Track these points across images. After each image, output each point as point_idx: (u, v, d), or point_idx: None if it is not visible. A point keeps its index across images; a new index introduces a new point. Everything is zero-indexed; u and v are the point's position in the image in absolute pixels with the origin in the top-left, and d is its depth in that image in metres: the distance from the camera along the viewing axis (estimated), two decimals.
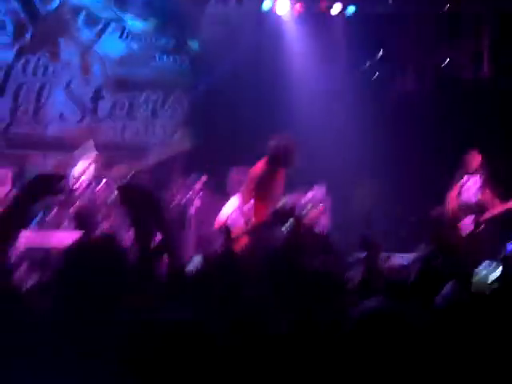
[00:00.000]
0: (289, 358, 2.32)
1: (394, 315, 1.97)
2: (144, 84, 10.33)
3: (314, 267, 3.73)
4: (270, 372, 2.30)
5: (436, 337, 2.11)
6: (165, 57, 10.51)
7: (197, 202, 8.59)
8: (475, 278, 4.28)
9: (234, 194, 8.08)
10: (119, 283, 2.57)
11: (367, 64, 10.65)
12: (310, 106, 9.88)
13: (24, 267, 5.04)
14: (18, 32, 9.69)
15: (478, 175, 8.01)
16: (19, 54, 9.70)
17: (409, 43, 10.34)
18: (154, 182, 9.28)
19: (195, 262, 4.87)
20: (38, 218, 7.32)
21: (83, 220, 7.18)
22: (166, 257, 5.33)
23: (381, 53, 10.49)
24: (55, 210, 8.20)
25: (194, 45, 10.65)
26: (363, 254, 5.55)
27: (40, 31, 9.80)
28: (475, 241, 7.75)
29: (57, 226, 8.09)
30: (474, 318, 2.23)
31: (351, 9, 10.24)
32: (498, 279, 4.16)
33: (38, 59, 9.78)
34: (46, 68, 9.82)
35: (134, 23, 10.30)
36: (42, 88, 9.80)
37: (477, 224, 7.84)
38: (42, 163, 9.41)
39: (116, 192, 7.29)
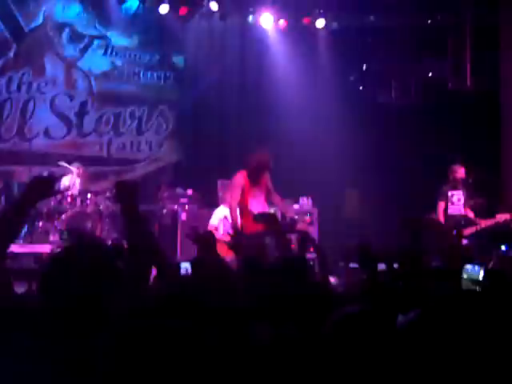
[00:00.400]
0: (270, 368, 2.31)
1: (373, 318, 1.97)
2: (129, 99, 10.36)
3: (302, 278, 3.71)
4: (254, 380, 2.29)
5: (417, 339, 2.09)
6: (149, 72, 10.54)
7: (183, 215, 8.56)
8: (463, 277, 4.30)
9: (220, 204, 8.08)
10: (108, 287, 2.53)
11: (352, 77, 10.72)
12: (296, 118, 9.91)
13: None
14: (1, 49, 9.71)
15: (463, 188, 8.04)
16: (3, 71, 9.73)
17: (393, 56, 10.43)
18: (140, 195, 9.21)
19: (183, 268, 4.82)
20: (23, 231, 7.27)
21: (73, 230, 7.14)
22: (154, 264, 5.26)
23: (365, 66, 10.57)
24: (41, 223, 8.17)
25: (178, 60, 10.69)
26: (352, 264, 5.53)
27: (24, 48, 9.84)
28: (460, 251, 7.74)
29: (43, 239, 8.06)
30: (458, 317, 2.20)
31: (334, 24, 10.36)
32: (481, 281, 4.17)
33: (22, 75, 9.80)
34: (30, 84, 9.84)
35: (118, 40, 10.35)
36: (26, 104, 9.81)
37: (460, 237, 7.83)
38: (28, 178, 9.35)
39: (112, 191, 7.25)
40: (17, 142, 9.71)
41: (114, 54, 10.32)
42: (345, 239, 8.28)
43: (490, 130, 9.64)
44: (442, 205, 8.06)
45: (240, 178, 6.83)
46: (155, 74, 10.56)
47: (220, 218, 7.64)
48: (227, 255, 6.58)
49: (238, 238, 6.35)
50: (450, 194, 8.07)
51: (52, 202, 8.09)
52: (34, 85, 9.85)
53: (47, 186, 2.78)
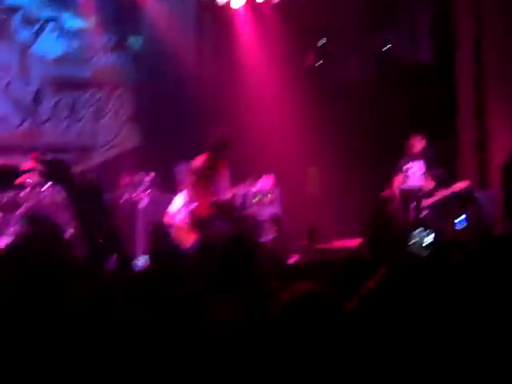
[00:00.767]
0: (231, 354, 2.33)
1: (325, 299, 1.98)
2: (86, 83, 10.15)
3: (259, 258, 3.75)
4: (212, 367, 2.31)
5: (369, 318, 2.13)
6: (107, 55, 10.36)
7: (145, 199, 8.52)
8: (411, 242, 4.38)
9: (181, 189, 8.06)
10: (63, 274, 2.53)
11: (310, 53, 10.70)
12: (256, 97, 9.90)
13: None
14: None
15: (422, 160, 8.12)
16: None
17: (350, 31, 10.42)
18: (101, 181, 9.15)
19: (142, 261, 4.84)
20: None
21: (32, 219, 7.08)
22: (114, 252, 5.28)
23: (323, 41, 10.56)
24: (1, 214, 8.06)
25: (136, 42, 10.52)
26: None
27: None
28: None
29: (2, 230, 7.96)
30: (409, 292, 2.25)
31: None
32: (430, 245, 4.27)
33: None
34: None
35: (74, 22, 10.12)
36: None
37: (420, 209, 7.94)
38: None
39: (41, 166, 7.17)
40: None
41: (69, 36, 10.09)
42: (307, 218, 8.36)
43: (447, 102, 9.74)
44: (397, 179, 8.16)
45: (198, 162, 6.84)
46: (113, 55, 10.39)
47: (179, 203, 7.63)
48: (187, 240, 6.61)
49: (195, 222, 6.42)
50: (405, 167, 8.16)
51: (11, 193, 7.98)
52: None
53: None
